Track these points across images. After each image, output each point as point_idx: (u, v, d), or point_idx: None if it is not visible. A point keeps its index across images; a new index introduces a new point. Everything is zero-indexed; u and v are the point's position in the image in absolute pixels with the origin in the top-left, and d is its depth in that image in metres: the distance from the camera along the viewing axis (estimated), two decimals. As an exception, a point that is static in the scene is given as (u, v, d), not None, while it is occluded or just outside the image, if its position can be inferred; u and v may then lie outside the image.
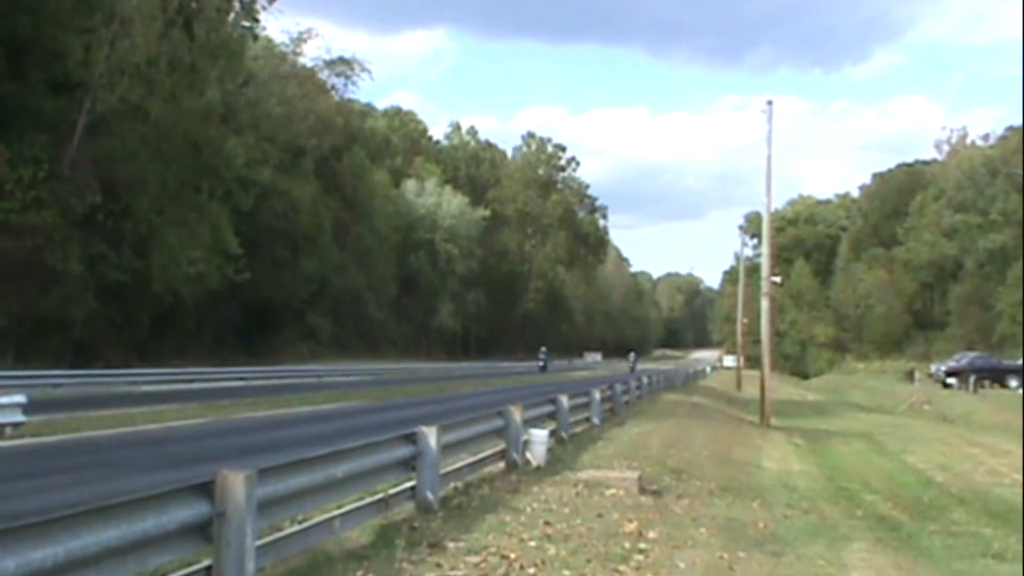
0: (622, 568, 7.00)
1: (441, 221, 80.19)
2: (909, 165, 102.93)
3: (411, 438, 8.62)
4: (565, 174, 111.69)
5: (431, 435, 8.65)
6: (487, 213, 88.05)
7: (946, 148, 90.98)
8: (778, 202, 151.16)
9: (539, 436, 12.51)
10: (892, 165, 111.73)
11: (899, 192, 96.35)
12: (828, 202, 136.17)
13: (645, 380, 30.91)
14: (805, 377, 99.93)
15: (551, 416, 15.26)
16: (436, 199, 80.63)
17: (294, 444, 13.41)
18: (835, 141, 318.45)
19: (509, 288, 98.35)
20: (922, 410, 43.74)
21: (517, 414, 12.00)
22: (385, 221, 71.09)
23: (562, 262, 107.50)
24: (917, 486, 15.72)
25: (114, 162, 34.03)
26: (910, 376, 63.75)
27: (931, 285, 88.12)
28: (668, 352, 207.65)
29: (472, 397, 28.06)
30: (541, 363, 64.03)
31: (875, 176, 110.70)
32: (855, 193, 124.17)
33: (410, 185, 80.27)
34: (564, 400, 15.61)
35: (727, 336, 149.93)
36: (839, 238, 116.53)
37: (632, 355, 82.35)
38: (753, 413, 31.49)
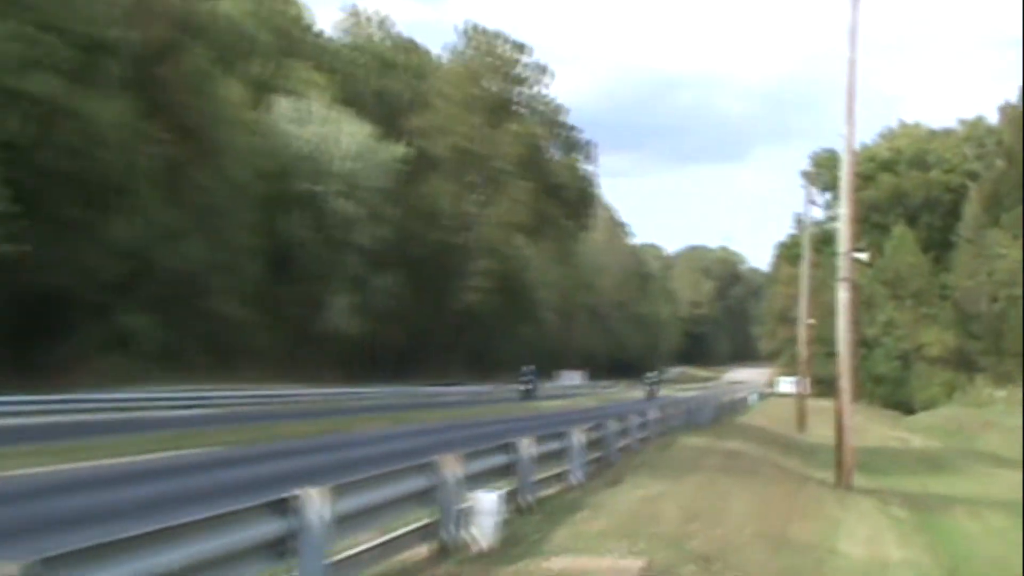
0: None
1: (333, 164, 79.59)
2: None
3: (284, 506, 8.66)
4: (528, 91, 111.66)
5: (317, 501, 8.68)
6: (406, 152, 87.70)
7: None
8: (866, 134, 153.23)
9: (487, 502, 12.60)
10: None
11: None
12: (947, 133, 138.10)
13: (653, 415, 31.19)
14: (909, 411, 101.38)
15: (506, 471, 15.40)
16: (325, 129, 79.98)
17: (75, 521, 13.37)
18: (958, 35, 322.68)
19: (440, 270, 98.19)
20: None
21: (452, 468, 12.07)
22: (243, 163, 70.34)
23: (524, 229, 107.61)
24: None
25: None
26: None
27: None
28: (690, 370, 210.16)
29: (383, 442, 28.05)
30: (525, 387, 67.86)
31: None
32: (991, 119, 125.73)
33: (283, 106, 79.55)
34: (526, 446, 15.70)
35: (782, 346, 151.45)
36: (965, 191, 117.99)
37: (652, 376, 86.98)
38: (824, 467, 31.88)
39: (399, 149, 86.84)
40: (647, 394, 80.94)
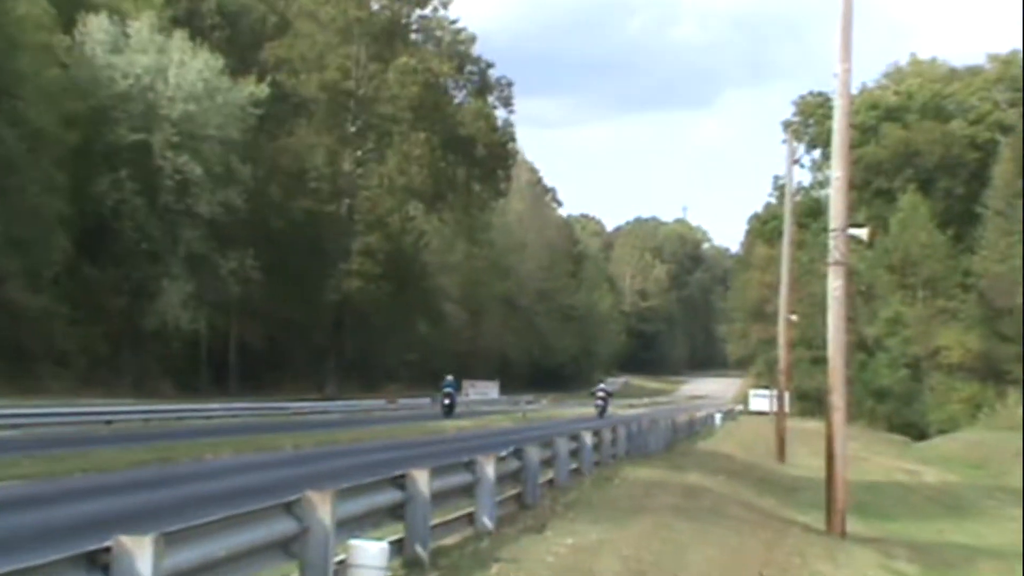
0: None
1: (165, 107, 79.03)
2: None
3: (98, 558, 8.63)
4: (424, 13, 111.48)
5: (142, 551, 8.64)
6: (262, 93, 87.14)
7: None
8: (866, 73, 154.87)
9: (370, 553, 12.63)
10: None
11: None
12: (973, 72, 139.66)
13: (588, 441, 31.32)
14: (920, 436, 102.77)
15: (394, 512, 15.44)
16: (154, 60, 79.40)
17: None
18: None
19: (310, 249, 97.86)
20: None
21: (323, 509, 12.03)
22: (46, 103, 69.67)
23: (420, 196, 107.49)
24: None
25: None
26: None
27: None
28: (637, 381, 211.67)
29: (232, 474, 27.94)
30: (446, 400, 72.06)
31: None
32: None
33: (97, 29, 78.82)
34: (422, 481, 15.71)
35: (756, 350, 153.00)
36: (995, 148, 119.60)
37: (603, 389, 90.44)
38: (811, 508, 32.22)
39: (254, 88, 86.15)
40: (599, 411, 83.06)
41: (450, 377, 75.84)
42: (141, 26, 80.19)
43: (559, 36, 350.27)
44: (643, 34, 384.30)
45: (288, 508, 11.97)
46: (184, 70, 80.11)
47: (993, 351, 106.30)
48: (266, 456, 34.75)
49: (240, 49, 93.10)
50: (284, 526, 11.86)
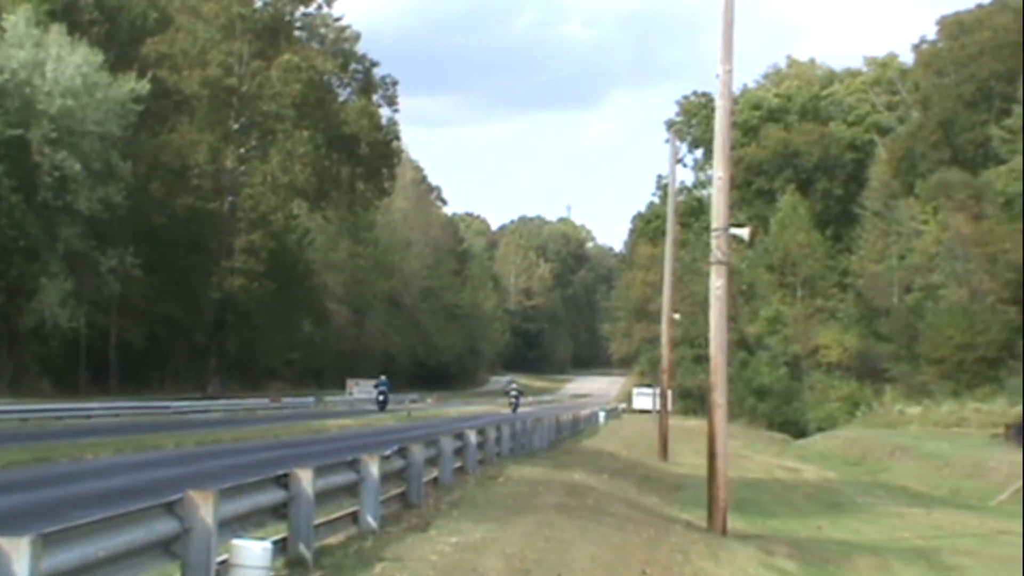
0: None
1: (43, 101, 78.21)
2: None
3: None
4: (308, 10, 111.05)
5: (19, 553, 8.53)
6: (143, 88, 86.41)
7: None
8: (748, 73, 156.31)
9: (253, 553, 12.55)
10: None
11: (997, 54, 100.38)
12: (850, 75, 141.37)
13: (473, 439, 31.32)
14: (800, 433, 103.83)
15: (278, 511, 15.35)
16: (31, 54, 78.55)
17: None
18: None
19: (192, 247, 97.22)
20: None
21: (205, 509, 11.92)
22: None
23: (303, 194, 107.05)
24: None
25: None
26: (1015, 432, 67.25)
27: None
28: (521, 380, 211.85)
29: (116, 474, 27.64)
30: (380, 397, 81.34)
31: (944, 22, 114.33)
32: (906, 58, 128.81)
33: (-26, 22, 77.90)
34: (306, 480, 15.62)
35: (639, 349, 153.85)
36: (872, 149, 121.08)
37: (514, 387, 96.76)
38: (693, 506, 32.40)
39: (135, 84, 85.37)
40: (512, 408, 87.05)
41: (383, 377, 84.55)
42: (17, 20, 79.22)
43: (445, 34, 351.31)
44: (530, 32, 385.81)
45: (169, 508, 11.84)
46: (62, 65, 79.21)
47: (870, 350, 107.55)
48: (147, 456, 34.43)
49: (120, 44, 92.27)
50: (165, 526, 11.73)
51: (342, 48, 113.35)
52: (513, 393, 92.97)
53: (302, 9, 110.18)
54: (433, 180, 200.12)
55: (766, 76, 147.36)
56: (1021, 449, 57.72)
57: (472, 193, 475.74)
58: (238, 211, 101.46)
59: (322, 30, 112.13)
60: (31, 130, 77.10)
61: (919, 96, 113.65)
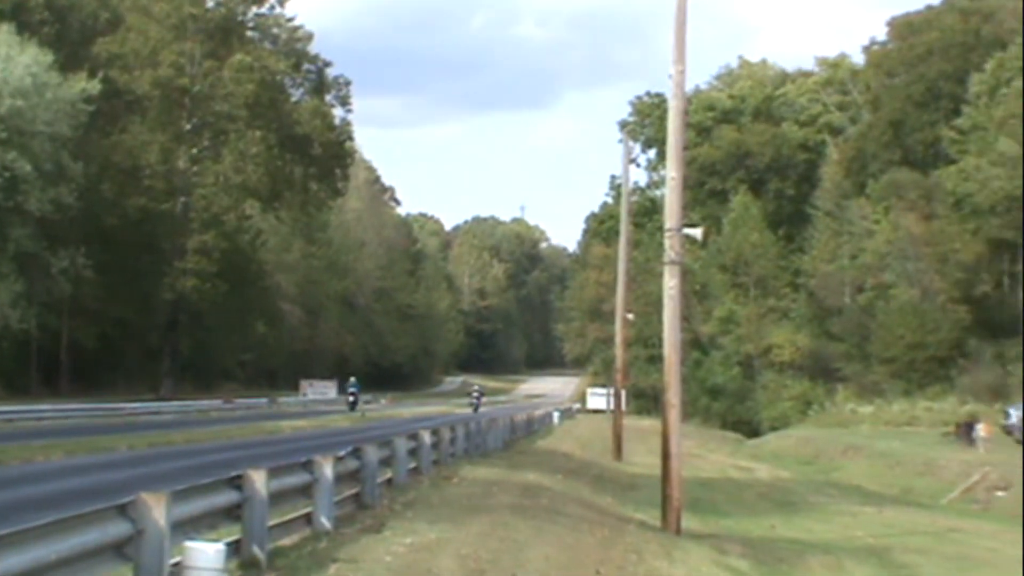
0: None
1: (-6, 101, 77.84)
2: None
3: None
4: (261, 10, 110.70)
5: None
6: (94, 88, 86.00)
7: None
8: (701, 74, 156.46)
9: (206, 555, 12.48)
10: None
11: (945, 54, 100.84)
12: (802, 75, 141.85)
13: (427, 440, 31.30)
14: (753, 433, 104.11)
15: (231, 513, 15.29)
16: (-17, 54, 78.17)
17: None
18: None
19: (144, 248, 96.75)
20: (992, 498, 46.48)
21: (158, 511, 11.87)
22: None
23: (256, 194, 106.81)
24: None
25: None
26: (965, 430, 67.72)
27: (1009, 246, 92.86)
28: (475, 380, 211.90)
29: (67, 476, 27.52)
30: (351, 398, 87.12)
31: (895, 23, 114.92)
32: (856, 59, 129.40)
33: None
34: (259, 481, 15.57)
35: (593, 349, 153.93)
36: (824, 148, 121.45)
37: (476, 388, 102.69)
38: (647, 505, 32.42)
39: (86, 84, 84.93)
40: (474, 408, 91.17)
41: (353, 379, 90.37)
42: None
43: (399, 34, 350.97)
44: (484, 32, 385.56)
45: (121, 510, 11.77)
46: (11, 65, 78.75)
47: (822, 349, 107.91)
48: (99, 458, 34.28)
49: (70, 44, 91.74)
50: (117, 529, 11.67)
51: (295, 48, 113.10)
52: (475, 394, 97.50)
53: (255, 9, 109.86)
54: (387, 180, 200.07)
55: (719, 77, 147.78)
56: (974, 448, 58.25)
57: (426, 193, 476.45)
58: (190, 212, 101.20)
59: (275, 30, 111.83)
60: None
61: (870, 96, 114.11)
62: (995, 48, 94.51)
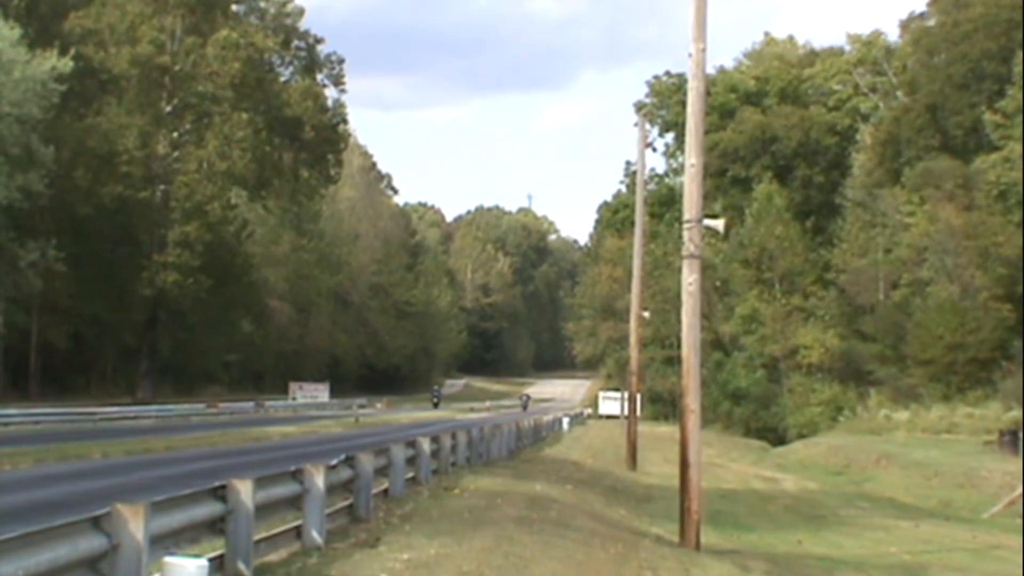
0: None
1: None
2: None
3: None
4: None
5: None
6: (66, 67, 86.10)
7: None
8: (723, 53, 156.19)
9: (187, 571, 12.51)
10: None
11: (990, 31, 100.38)
12: (831, 53, 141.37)
13: (427, 447, 31.30)
14: (778, 440, 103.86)
15: (214, 526, 15.29)
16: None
17: None
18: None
19: (120, 239, 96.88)
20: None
21: (135, 524, 11.87)
22: None
23: (243, 182, 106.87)
24: None
25: None
26: (1009, 439, 67.48)
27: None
28: (478, 383, 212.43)
29: (36, 486, 27.54)
30: (435, 399, 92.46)
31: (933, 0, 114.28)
32: (892, 36, 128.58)
33: None
34: (245, 492, 15.57)
35: (606, 350, 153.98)
36: (855, 135, 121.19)
37: (525, 396, 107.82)
38: (664, 519, 32.42)
39: (57, 62, 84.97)
40: (523, 406, 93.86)
41: (437, 388, 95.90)
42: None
43: (399, 9, 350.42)
44: (493, 7, 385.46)
45: (96, 523, 11.78)
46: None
47: (854, 350, 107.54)
48: (72, 466, 34.25)
49: (41, 18, 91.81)
50: (91, 543, 11.68)
51: (284, 24, 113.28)
52: (525, 398, 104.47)
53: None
54: (383, 167, 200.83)
55: (746, 55, 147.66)
56: (1019, 457, 58.10)
57: (426, 182, 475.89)
58: (171, 201, 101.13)
59: (262, 4, 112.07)
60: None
61: (906, 77, 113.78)
62: None
